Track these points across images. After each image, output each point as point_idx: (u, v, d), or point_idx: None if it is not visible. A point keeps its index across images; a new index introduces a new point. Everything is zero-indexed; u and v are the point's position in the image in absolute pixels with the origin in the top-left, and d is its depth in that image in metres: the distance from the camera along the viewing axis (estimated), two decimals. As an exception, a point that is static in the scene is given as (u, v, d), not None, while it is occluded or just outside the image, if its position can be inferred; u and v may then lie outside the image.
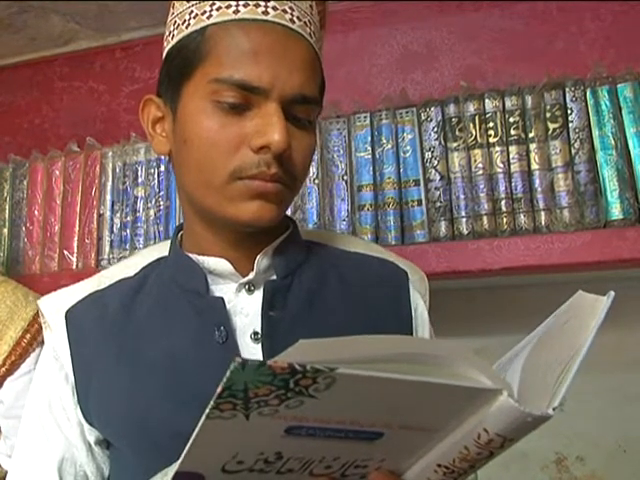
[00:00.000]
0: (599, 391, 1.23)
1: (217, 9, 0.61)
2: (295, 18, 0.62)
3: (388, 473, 0.46)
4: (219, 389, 0.35)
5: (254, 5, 0.61)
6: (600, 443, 1.27)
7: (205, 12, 0.62)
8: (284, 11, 0.62)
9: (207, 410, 0.37)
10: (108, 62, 1.56)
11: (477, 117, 1.11)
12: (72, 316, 0.68)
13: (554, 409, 0.37)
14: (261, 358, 0.62)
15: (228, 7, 0.61)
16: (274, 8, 0.61)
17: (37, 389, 0.69)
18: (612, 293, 0.44)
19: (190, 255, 0.67)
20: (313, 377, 0.35)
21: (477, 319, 1.31)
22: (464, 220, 1.10)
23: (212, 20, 0.61)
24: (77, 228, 1.34)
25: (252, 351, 0.63)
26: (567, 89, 1.08)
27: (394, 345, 0.39)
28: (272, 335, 0.63)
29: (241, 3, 0.61)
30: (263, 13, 0.61)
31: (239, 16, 0.61)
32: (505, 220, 1.08)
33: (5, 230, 1.41)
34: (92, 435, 0.66)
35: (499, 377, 0.40)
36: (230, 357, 0.61)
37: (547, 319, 0.49)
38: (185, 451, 0.41)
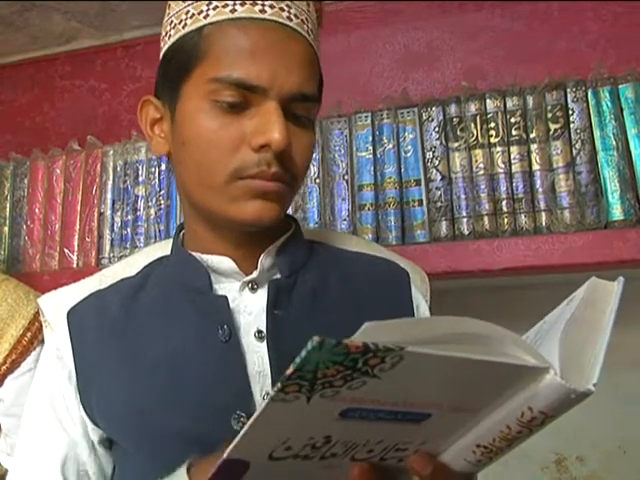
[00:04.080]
0: (599, 391, 1.21)
1: (214, 8, 0.61)
2: (292, 16, 0.62)
3: (426, 455, 0.46)
4: (290, 370, 0.35)
5: (251, 4, 0.61)
6: (600, 443, 1.27)
7: (202, 12, 0.62)
8: (281, 9, 0.62)
9: (272, 393, 0.36)
10: (109, 61, 1.56)
11: (478, 117, 1.11)
12: (74, 315, 0.68)
13: (594, 385, 0.40)
14: (266, 357, 0.62)
15: (225, 6, 0.61)
16: (271, 6, 0.61)
17: (39, 388, 0.69)
18: (621, 279, 0.46)
19: (193, 254, 0.67)
20: (382, 356, 0.35)
21: (478, 319, 1.31)
22: (465, 220, 1.10)
23: (209, 19, 0.61)
24: (78, 226, 1.34)
25: (256, 349, 0.63)
26: (568, 90, 1.08)
27: (452, 326, 0.41)
28: (277, 333, 0.63)
29: (238, 2, 0.61)
30: (260, 11, 0.61)
31: (236, 15, 0.61)
32: (506, 220, 1.08)
33: (6, 228, 1.41)
34: (95, 434, 0.66)
35: (543, 356, 0.41)
36: (233, 356, 0.62)
37: (563, 303, 0.50)
38: (238, 437, 0.40)
